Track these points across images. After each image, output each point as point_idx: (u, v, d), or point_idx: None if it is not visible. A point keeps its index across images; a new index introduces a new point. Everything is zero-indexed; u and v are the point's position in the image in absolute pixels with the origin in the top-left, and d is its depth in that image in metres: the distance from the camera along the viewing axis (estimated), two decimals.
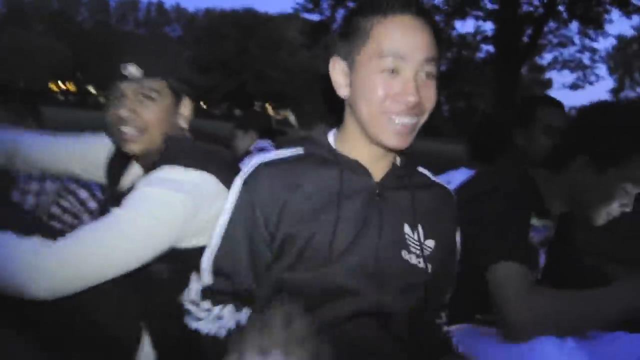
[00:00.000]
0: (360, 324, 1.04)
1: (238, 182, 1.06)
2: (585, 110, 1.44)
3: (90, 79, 69.37)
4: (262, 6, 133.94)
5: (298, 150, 1.09)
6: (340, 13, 17.52)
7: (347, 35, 1.02)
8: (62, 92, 72.81)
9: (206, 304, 1.07)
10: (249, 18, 61.06)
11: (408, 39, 0.96)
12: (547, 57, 21.36)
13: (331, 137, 1.12)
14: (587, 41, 17.70)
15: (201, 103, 70.68)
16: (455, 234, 1.20)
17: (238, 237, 1.05)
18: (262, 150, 3.27)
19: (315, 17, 17.87)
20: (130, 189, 1.27)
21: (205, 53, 60.20)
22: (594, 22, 16.27)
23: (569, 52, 18.71)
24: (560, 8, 15.76)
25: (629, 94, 65.18)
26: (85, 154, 1.53)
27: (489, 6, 16.80)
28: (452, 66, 19.76)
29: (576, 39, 17.95)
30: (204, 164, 1.24)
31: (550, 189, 1.42)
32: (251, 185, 1.04)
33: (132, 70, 1.25)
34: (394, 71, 0.97)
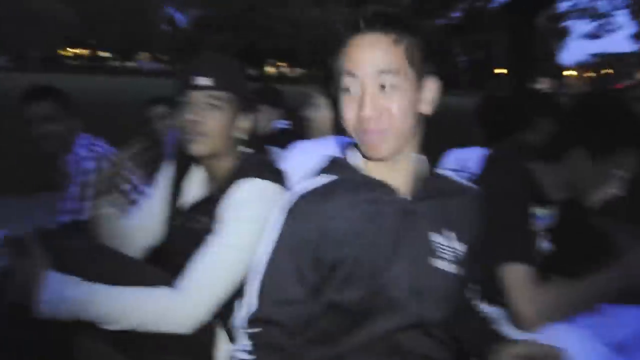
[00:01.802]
0: (407, 334, 1.13)
1: (282, 212, 1.13)
2: (581, 102, 1.55)
3: (101, 43, 69.15)
4: None
5: (331, 176, 1.16)
6: None
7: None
8: (75, 57, 72.77)
9: (246, 342, 1.10)
10: None
11: (357, 55, 1.02)
12: (564, 6, 20.62)
13: (359, 157, 1.17)
14: None
15: None
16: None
17: (286, 265, 1.11)
18: (283, 130, 3.19)
19: None
20: (201, 202, 1.51)
21: (213, 12, 59.36)
22: None
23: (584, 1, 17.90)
24: None
25: None
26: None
27: None
28: (465, 17, 19.31)
29: None
30: (272, 175, 1.44)
31: (550, 178, 1.54)
32: (295, 215, 1.11)
33: (203, 80, 1.40)
34: (349, 90, 1.04)
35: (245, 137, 1.53)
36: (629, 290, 1.39)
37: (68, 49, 68.80)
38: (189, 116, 1.41)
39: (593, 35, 19.10)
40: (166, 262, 1.49)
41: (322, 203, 1.11)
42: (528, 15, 14.28)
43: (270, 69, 68.32)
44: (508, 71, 15.30)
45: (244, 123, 1.51)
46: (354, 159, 1.18)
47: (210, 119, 1.41)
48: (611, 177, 1.44)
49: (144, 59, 79.78)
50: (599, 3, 17.26)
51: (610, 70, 76.36)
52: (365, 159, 1.15)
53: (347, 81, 1.04)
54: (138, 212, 1.68)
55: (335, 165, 1.19)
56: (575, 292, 1.38)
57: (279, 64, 67.87)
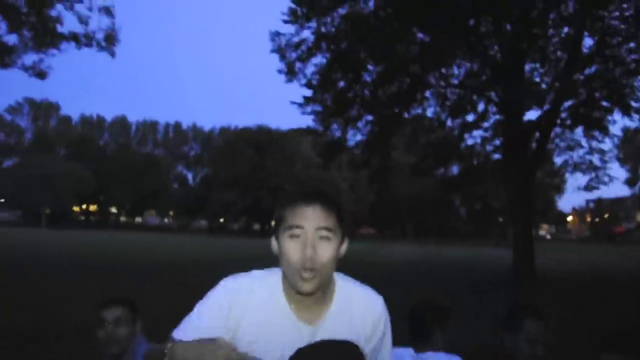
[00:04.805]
0: None
1: None
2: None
3: (111, 200, 71.35)
4: (274, 123, 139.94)
5: None
6: (350, 133, 18.32)
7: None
8: (84, 213, 74.59)
9: None
10: (263, 135, 63.51)
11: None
12: (558, 161, 21.61)
13: None
14: (594, 143, 17.89)
15: (220, 219, 71.56)
16: None
17: None
18: None
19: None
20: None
21: (222, 170, 62.06)
22: (597, 125, 16.62)
23: (578, 154, 18.82)
24: (563, 115, 16.26)
25: None
26: None
27: (494, 118, 17.50)
28: (463, 173, 20.16)
29: (583, 142, 18.18)
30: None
31: None
32: None
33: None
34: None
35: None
36: None
37: (78, 205, 70.51)
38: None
39: (589, 188, 19.69)
40: None
41: None
42: (525, 170, 14.98)
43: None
44: (504, 220, 15.68)
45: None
46: None
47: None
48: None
49: (150, 215, 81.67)
50: (592, 157, 18.10)
51: (606, 215, 77.66)
52: None
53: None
54: None
55: None
56: None
57: None
